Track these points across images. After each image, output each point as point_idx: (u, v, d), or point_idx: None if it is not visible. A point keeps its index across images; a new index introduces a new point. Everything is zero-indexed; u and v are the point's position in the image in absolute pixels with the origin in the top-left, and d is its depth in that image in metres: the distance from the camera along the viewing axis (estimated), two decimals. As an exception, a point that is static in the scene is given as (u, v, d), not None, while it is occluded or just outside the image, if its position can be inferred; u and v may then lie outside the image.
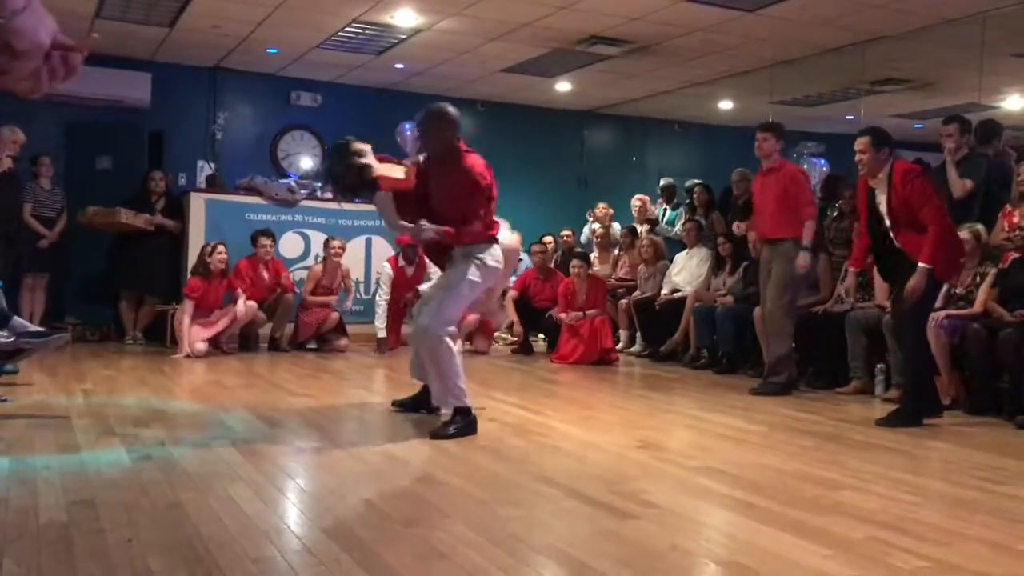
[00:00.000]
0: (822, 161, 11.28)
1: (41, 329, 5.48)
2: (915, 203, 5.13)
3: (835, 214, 7.99)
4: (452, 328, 4.67)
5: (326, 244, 8.79)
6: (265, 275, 8.56)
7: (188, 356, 7.69)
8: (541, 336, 9.49)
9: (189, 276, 8.18)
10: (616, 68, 9.93)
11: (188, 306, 7.90)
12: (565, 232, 10.51)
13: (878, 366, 6.43)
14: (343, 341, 8.69)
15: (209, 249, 8.10)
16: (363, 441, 4.43)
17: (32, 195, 8.58)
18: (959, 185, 6.45)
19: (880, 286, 6.69)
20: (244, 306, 8.14)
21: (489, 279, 4.79)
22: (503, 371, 7.76)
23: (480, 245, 4.69)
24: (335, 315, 8.71)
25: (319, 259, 9.02)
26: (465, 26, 8.52)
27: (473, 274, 4.66)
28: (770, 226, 6.47)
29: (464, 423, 4.52)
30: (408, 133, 10.63)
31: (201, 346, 7.82)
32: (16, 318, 5.17)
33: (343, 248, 8.79)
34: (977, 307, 5.86)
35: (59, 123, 9.68)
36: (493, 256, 4.74)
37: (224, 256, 8.07)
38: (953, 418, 5.60)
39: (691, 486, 3.56)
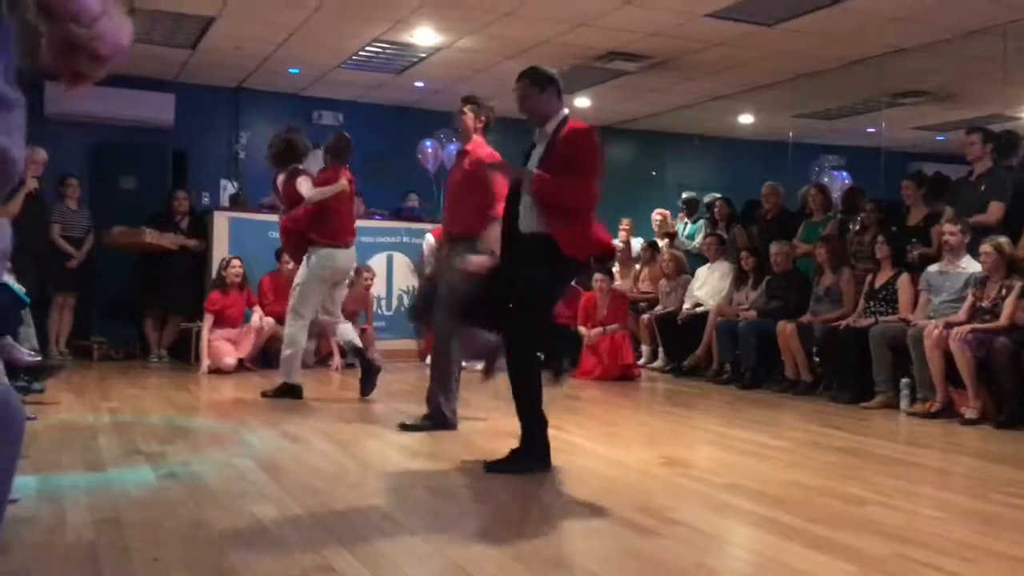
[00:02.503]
0: (844, 174, 11.23)
1: (38, 360, 5.67)
2: (572, 167, 4.00)
3: (856, 227, 7.96)
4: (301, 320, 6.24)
5: (357, 272, 8.85)
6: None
7: (211, 372, 7.77)
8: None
9: (208, 291, 8.32)
10: (635, 83, 9.94)
11: (208, 320, 8.04)
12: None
13: (903, 380, 6.37)
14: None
15: (225, 263, 8.27)
16: (385, 457, 4.43)
17: (60, 215, 8.70)
18: (993, 210, 6.40)
19: (905, 300, 6.66)
20: (261, 321, 8.22)
21: (316, 277, 6.20)
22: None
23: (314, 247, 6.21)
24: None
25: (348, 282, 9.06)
26: (484, 44, 8.56)
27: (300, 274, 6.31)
28: (452, 217, 5.26)
29: (287, 391, 6.18)
30: (429, 149, 10.70)
31: (230, 360, 7.92)
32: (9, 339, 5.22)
33: (374, 278, 8.92)
34: (1003, 320, 5.81)
35: (84, 144, 9.81)
36: (318, 258, 6.18)
37: (239, 269, 8.22)
38: (980, 432, 5.54)
39: (716, 503, 3.55)
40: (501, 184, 4.72)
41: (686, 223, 10.21)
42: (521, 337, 4.05)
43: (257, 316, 8.25)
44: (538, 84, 4.19)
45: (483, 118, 5.32)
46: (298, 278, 6.36)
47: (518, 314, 4.06)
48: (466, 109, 5.36)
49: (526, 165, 4.20)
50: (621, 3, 7.36)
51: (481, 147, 5.22)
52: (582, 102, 10.92)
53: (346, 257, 6.44)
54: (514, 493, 3.68)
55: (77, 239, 8.81)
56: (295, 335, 6.29)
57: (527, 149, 4.32)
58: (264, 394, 6.31)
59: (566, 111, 4.24)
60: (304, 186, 6.29)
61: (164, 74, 9.87)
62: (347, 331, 6.68)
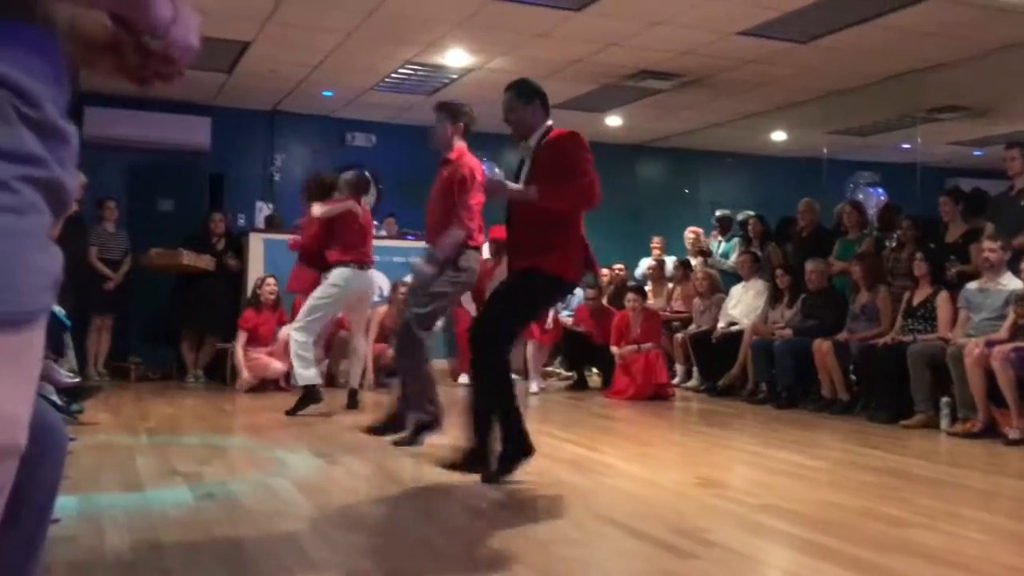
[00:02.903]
0: (879, 191, 11.11)
1: (77, 381, 5.80)
2: (565, 171, 4.00)
3: (893, 244, 7.88)
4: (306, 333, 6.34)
5: (394, 288, 8.94)
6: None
7: (250, 389, 7.93)
8: (595, 371, 9.44)
9: (243, 309, 8.48)
10: (666, 102, 9.94)
11: (241, 337, 8.18)
12: (617, 266, 10.49)
13: (943, 399, 6.27)
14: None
15: (260, 281, 8.41)
16: (420, 477, 4.42)
17: (98, 238, 8.84)
18: None
19: (944, 318, 6.57)
20: (288, 336, 8.31)
21: (329, 295, 6.38)
22: (558, 407, 7.73)
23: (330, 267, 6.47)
24: (391, 351, 8.78)
25: (384, 298, 9.10)
26: (516, 65, 8.60)
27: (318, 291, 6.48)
28: (431, 228, 5.13)
29: (307, 397, 6.30)
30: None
31: (278, 365, 8.04)
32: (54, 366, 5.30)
33: None
34: (1045, 338, 5.71)
35: (122, 167, 9.98)
36: (332, 277, 6.40)
37: (274, 288, 8.33)
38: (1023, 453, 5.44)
39: (753, 524, 3.50)
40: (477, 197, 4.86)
41: (720, 241, 10.16)
42: (483, 339, 4.08)
43: (285, 330, 8.32)
44: (523, 97, 4.21)
45: (460, 124, 5.10)
46: (314, 293, 6.57)
47: (484, 316, 4.22)
48: (440, 117, 5.16)
49: (517, 181, 4.19)
50: (652, 23, 7.37)
51: (464, 155, 5.05)
52: (614, 121, 10.94)
53: (360, 278, 6.57)
54: (548, 514, 3.66)
55: (115, 261, 8.94)
56: (304, 344, 6.39)
57: (518, 165, 4.34)
58: (288, 412, 6.40)
59: (550, 123, 4.22)
60: (315, 209, 6.78)
61: (201, 98, 10.02)
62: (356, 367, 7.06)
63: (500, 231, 5.15)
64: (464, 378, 8.78)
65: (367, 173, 7.15)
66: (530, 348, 8.70)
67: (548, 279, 4.10)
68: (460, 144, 5.05)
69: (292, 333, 6.50)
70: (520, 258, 4.13)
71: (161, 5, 1.02)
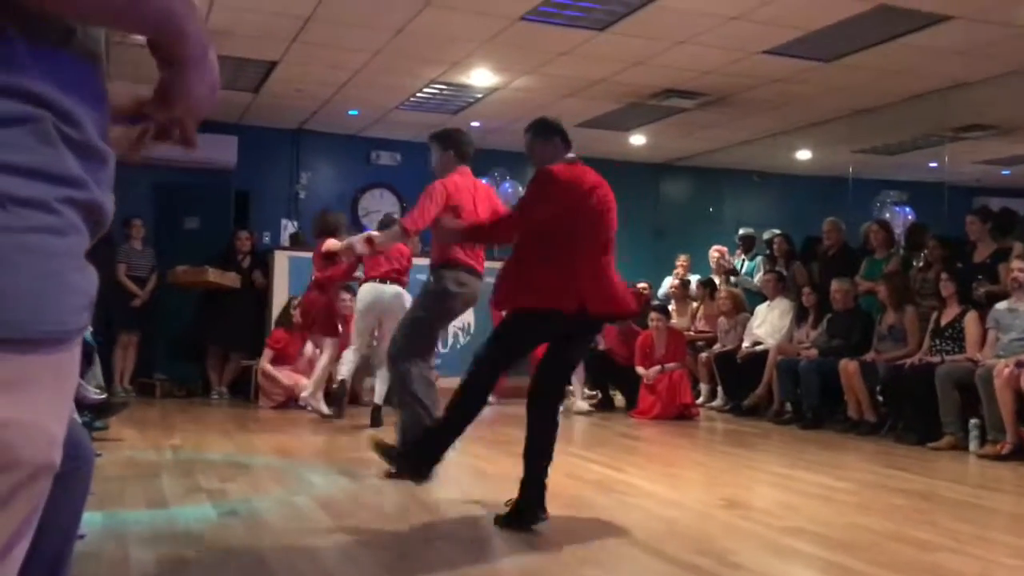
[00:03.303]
0: (906, 209, 11.02)
1: (103, 398, 5.90)
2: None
3: (920, 264, 7.81)
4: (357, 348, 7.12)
5: None
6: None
7: (275, 406, 8.02)
8: (618, 392, 9.39)
9: (273, 328, 8.52)
10: (691, 120, 9.93)
11: (267, 354, 8.24)
12: (641, 285, 10.45)
13: (972, 421, 6.19)
14: None
15: (295, 303, 8.43)
16: (443, 496, 4.42)
17: (125, 255, 8.93)
18: None
19: (972, 338, 6.49)
20: (315, 352, 8.34)
21: (358, 310, 7.06)
22: (582, 427, 7.70)
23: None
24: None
25: None
26: (540, 84, 8.63)
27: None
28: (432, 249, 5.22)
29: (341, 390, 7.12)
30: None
31: (306, 382, 8.09)
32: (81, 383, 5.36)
33: None
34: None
35: (149, 185, 10.06)
36: (359, 292, 7.05)
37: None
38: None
39: (779, 547, 3.47)
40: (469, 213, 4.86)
41: (743, 259, 10.10)
42: (476, 365, 4.01)
43: (310, 346, 8.37)
44: (542, 135, 4.25)
45: (450, 152, 5.06)
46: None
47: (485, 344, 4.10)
48: (433, 147, 5.18)
49: None
50: (676, 42, 7.37)
51: (452, 176, 4.97)
52: (638, 139, 10.94)
53: (378, 291, 6.94)
54: (572, 534, 3.64)
55: (141, 279, 9.03)
56: (347, 355, 7.30)
57: None
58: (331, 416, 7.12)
59: (569, 156, 4.19)
60: (329, 243, 7.35)
61: (227, 117, 10.11)
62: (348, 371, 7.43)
63: None
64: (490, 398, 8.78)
65: (395, 215, 7.95)
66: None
67: (523, 315, 3.91)
68: (458, 167, 5.04)
69: (347, 352, 7.26)
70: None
71: (195, 46, 1.02)
